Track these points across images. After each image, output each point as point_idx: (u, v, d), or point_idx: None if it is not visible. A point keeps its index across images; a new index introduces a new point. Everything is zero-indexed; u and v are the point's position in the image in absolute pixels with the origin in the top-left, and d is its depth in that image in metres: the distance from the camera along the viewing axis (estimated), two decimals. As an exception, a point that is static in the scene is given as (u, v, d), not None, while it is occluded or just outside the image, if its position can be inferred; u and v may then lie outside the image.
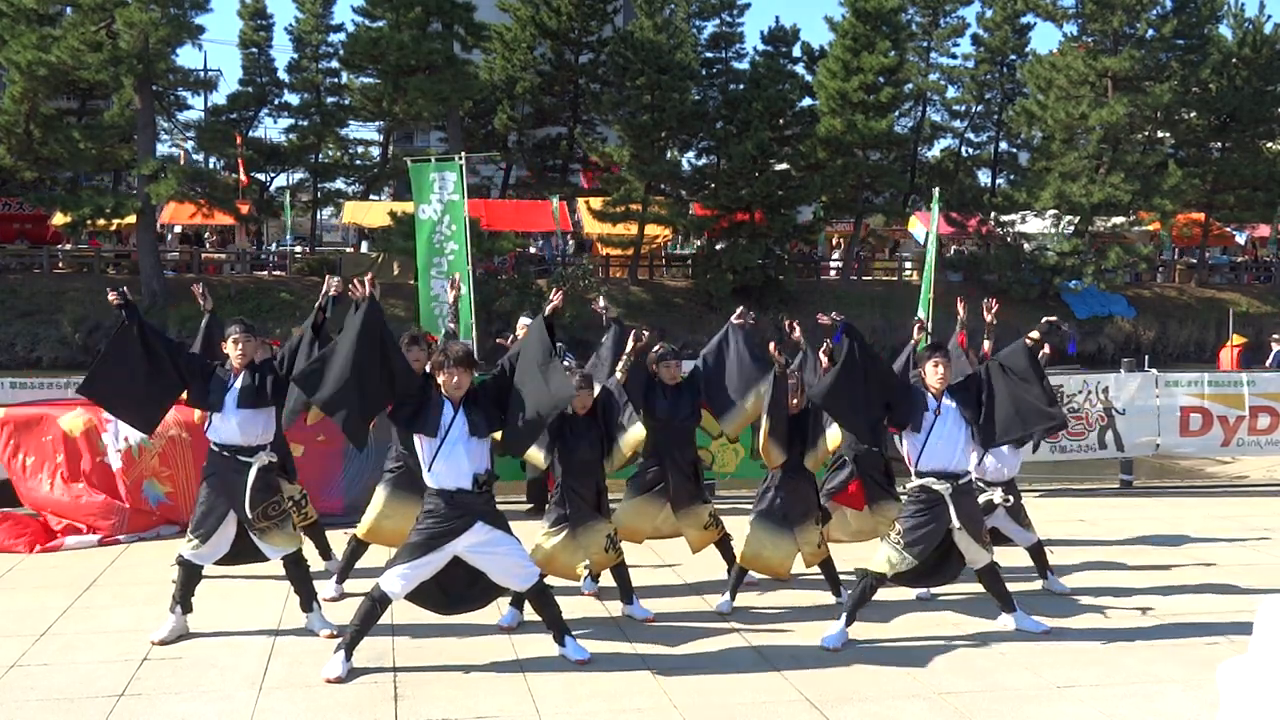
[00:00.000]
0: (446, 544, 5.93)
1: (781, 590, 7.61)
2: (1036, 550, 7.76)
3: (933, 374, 6.70)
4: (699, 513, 7.35)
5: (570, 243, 37.96)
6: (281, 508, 6.60)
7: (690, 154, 37.94)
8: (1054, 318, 7.15)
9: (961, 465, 6.65)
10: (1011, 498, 7.55)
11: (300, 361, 6.26)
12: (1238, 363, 18.33)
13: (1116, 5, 34.42)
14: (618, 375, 7.02)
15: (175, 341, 6.78)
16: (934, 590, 7.51)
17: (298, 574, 6.60)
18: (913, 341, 7.84)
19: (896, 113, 38.07)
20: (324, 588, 7.09)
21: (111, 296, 6.28)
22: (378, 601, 5.94)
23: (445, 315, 8.85)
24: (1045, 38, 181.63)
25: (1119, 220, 36.01)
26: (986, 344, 7.97)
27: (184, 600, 6.48)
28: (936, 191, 11.34)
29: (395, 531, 6.93)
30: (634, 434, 6.92)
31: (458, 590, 6.17)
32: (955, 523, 6.57)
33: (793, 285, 34.90)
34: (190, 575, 6.50)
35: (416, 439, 6.05)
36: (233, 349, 6.50)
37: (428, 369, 6.25)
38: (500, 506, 6.25)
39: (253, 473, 6.42)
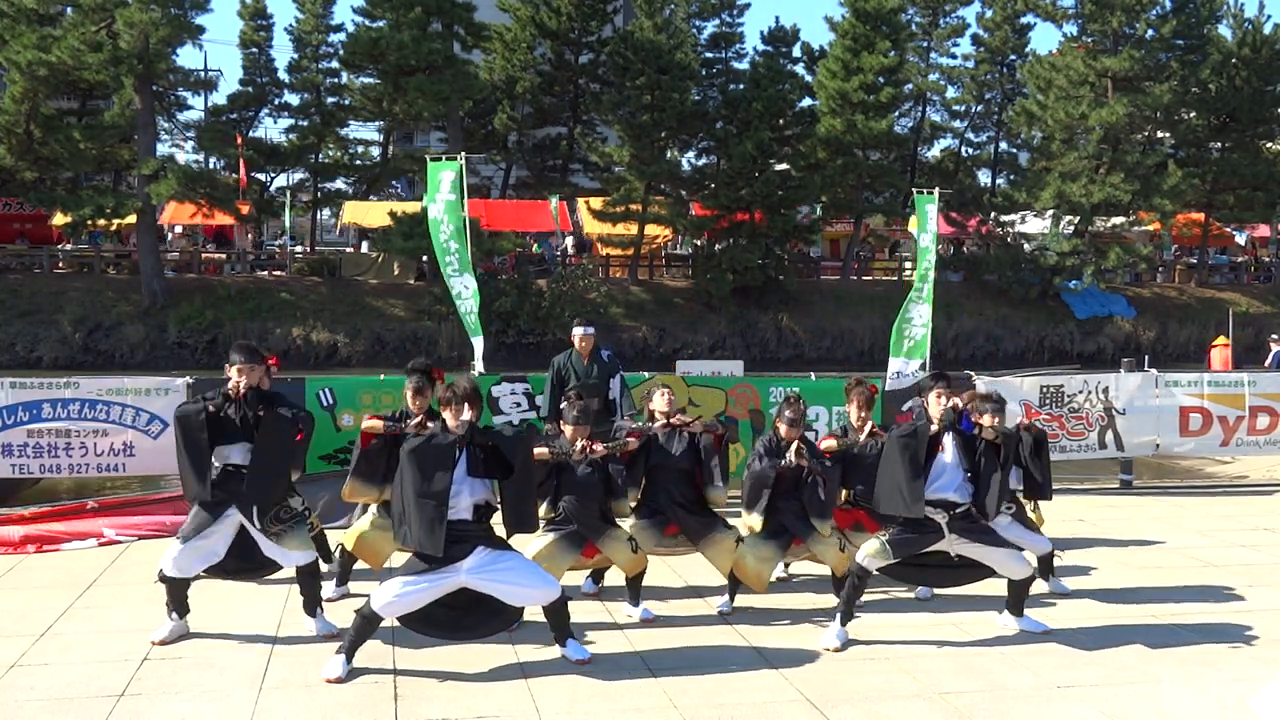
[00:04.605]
0: (447, 567, 5.85)
1: (782, 590, 7.61)
2: (1048, 556, 7.74)
3: (935, 405, 6.63)
4: (722, 542, 7.14)
5: (568, 241, 37.91)
6: (293, 511, 6.58)
7: (690, 154, 37.97)
8: (957, 406, 6.68)
9: (960, 497, 6.58)
10: (1013, 505, 7.53)
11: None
12: (1229, 362, 18.03)
13: (1116, 5, 34.39)
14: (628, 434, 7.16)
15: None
16: (934, 590, 7.51)
17: (309, 583, 6.59)
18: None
19: (896, 113, 38.10)
20: (325, 589, 7.06)
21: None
22: (368, 619, 5.91)
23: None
24: (1045, 38, 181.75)
25: (1119, 220, 35.98)
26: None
27: (178, 608, 6.46)
28: (936, 191, 11.28)
29: (378, 550, 7.14)
30: (623, 504, 6.99)
31: (468, 617, 6.11)
32: (951, 547, 6.56)
33: (793, 285, 34.87)
34: (175, 586, 6.43)
35: None
36: (236, 378, 6.38)
37: (437, 404, 6.24)
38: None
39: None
